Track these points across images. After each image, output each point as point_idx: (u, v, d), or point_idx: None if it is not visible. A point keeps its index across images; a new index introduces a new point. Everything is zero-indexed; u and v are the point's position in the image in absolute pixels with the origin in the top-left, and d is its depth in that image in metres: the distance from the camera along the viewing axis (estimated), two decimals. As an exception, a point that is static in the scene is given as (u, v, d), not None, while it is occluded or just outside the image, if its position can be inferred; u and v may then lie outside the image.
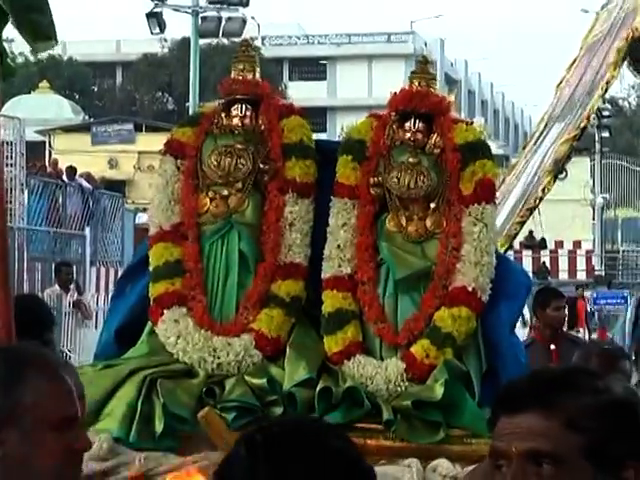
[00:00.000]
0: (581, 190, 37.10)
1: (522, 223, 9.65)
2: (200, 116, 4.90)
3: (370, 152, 4.58)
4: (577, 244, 36.37)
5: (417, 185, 4.46)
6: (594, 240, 37.65)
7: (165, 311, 4.44)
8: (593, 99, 9.73)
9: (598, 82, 9.86)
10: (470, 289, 4.30)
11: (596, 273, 34.75)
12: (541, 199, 9.44)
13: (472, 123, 4.73)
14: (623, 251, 38.46)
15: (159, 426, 4.07)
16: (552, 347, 7.96)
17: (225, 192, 4.58)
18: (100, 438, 3.88)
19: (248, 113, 4.71)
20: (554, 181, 9.43)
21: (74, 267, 16.76)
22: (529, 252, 32.44)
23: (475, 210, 4.41)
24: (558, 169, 9.49)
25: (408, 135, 4.58)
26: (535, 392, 1.84)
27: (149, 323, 4.52)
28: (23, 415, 2.24)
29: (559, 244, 35.89)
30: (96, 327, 15.01)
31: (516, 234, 9.73)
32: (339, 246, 4.48)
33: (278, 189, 4.56)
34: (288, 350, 4.35)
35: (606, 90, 9.83)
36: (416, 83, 4.64)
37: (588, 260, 35.52)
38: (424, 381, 4.21)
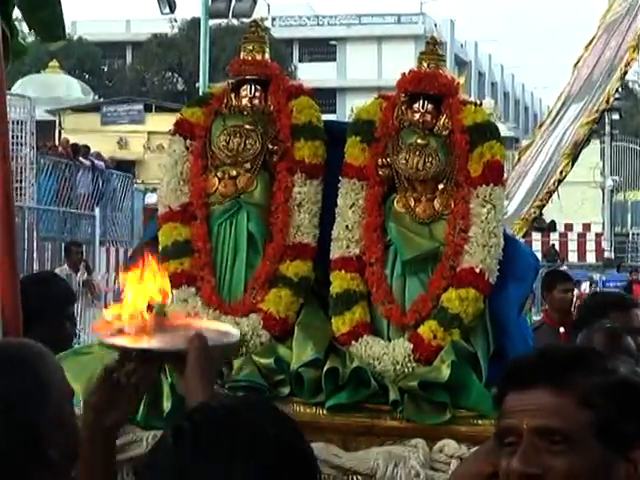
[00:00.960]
0: (591, 172, 37.03)
1: (541, 207, 9.61)
2: (209, 96, 4.88)
3: (379, 133, 4.57)
4: (587, 227, 36.33)
5: (425, 166, 4.45)
6: (604, 223, 37.62)
7: (174, 291, 4.44)
8: (612, 81, 9.68)
9: (617, 64, 9.80)
10: (478, 270, 4.29)
11: (605, 256, 34.72)
12: (560, 181, 9.41)
13: (481, 104, 4.70)
14: (632, 234, 38.42)
15: (167, 405, 4.08)
16: (561, 330, 7.99)
17: (234, 172, 4.57)
18: (108, 417, 3.88)
19: (257, 94, 4.70)
20: (572, 164, 9.39)
21: (84, 247, 16.80)
22: (538, 235, 32.41)
23: (483, 192, 4.39)
24: (577, 152, 9.46)
25: (417, 116, 4.57)
26: (546, 368, 1.84)
27: (158, 303, 4.52)
28: (59, 407, 2.28)
29: (569, 227, 35.85)
30: (105, 307, 15.03)
31: (535, 218, 9.69)
32: (347, 227, 4.46)
33: (287, 170, 4.55)
34: (296, 330, 4.34)
35: (625, 73, 9.79)
36: (425, 64, 4.62)
37: (597, 243, 35.48)
38: (431, 362, 4.20)
